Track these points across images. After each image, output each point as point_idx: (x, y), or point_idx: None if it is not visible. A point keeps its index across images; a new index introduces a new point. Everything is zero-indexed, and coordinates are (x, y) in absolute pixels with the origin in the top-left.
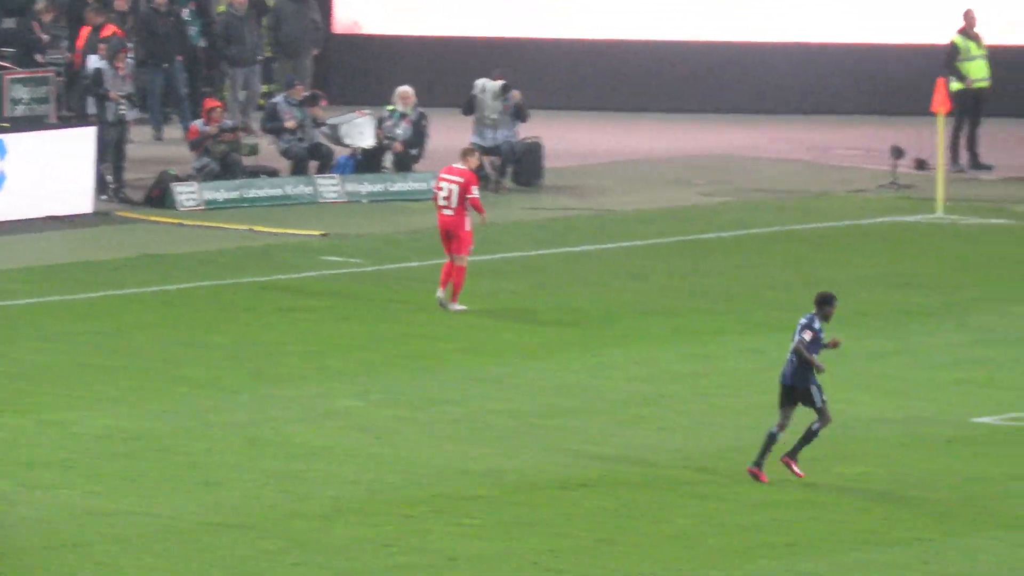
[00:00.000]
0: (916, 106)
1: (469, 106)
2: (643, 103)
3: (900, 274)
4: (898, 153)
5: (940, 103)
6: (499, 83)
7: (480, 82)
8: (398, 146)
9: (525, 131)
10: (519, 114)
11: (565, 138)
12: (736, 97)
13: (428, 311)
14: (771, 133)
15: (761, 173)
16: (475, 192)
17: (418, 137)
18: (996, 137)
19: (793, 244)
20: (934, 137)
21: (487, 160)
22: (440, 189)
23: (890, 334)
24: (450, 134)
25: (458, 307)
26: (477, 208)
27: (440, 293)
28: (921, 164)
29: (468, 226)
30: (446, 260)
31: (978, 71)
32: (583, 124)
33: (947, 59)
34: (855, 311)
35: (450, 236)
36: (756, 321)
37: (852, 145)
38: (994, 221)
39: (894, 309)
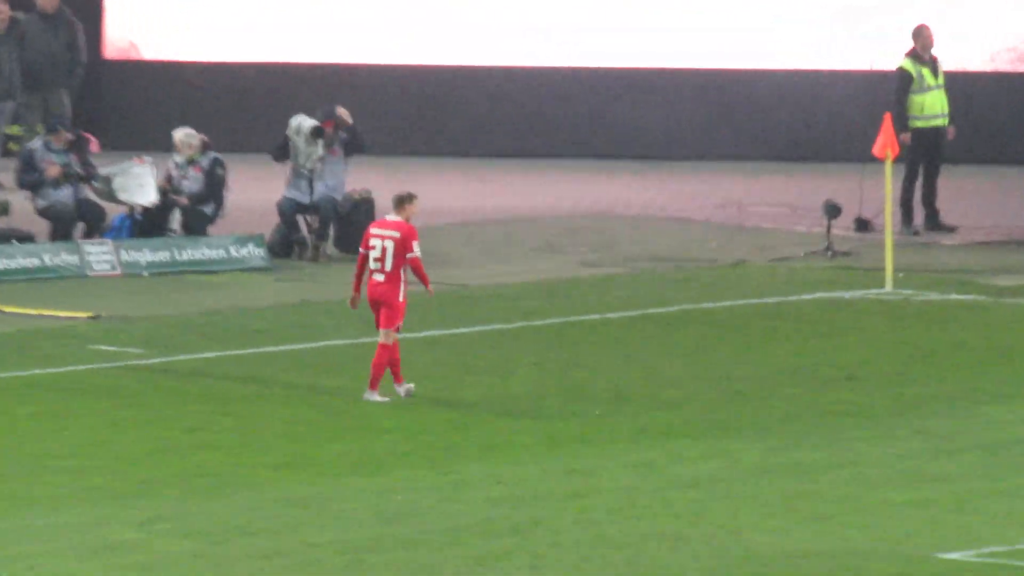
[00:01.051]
0: (855, 150)
1: (282, 151)
2: (505, 146)
3: (837, 365)
4: (833, 211)
5: (886, 145)
6: (311, 124)
7: (296, 121)
8: (185, 200)
9: (352, 182)
10: (354, 144)
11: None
12: (623, 139)
13: (231, 414)
14: (669, 185)
15: (657, 237)
16: (416, 250)
17: (212, 190)
18: (960, 189)
19: (698, 328)
20: (879, 190)
21: (303, 220)
22: (371, 248)
23: (823, 442)
24: (259, 186)
25: (377, 397)
26: (418, 274)
27: (400, 388)
28: (863, 225)
29: (402, 295)
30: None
31: (934, 105)
32: (427, 173)
33: (896, 90)
34: (780, 415)
35: (381, 305)
36: (649, 427)
37: (773, 200)
38: (956, 297)
39: (829, 411)
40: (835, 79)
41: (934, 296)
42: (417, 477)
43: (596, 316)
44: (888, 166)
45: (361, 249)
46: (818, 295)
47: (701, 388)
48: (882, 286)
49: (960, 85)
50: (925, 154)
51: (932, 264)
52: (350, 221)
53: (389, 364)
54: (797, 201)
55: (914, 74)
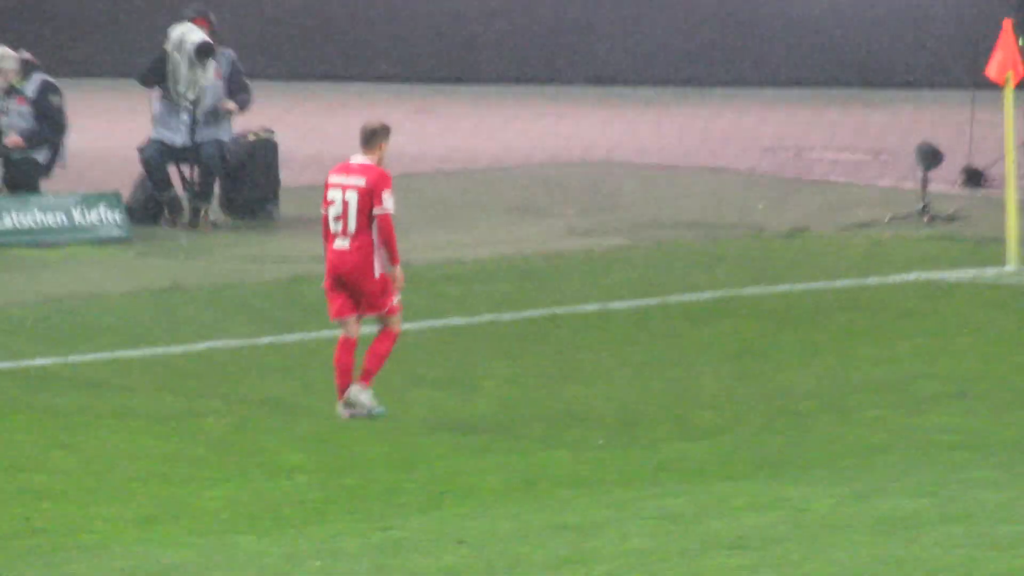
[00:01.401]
0: (958, 70)
1: (155, 71)
2: (455, 68)
3: (941, 378)
4: (931, 158)
5: (1006, 65)
6: (199, 37)
7: (177, 31)
8: (14, 140)
9: (246, 121)
10: (237, 87)
11: (318, 130)
12: (623, 57)
13: (72, 447)
14: (692, 121)
15: (678, 195)
16: (386, 204)
17: (45, 128)
18: None
19: (741, 324)
20: (997, 128)
21: (177, 172)
22: (330, 203)
23: (925, 486)
24: (113, 123)
25: (374, 407)
26: (385, 241)
27: (341, 405)
28: (974, 177)
29: (378, 267)
30: (340, 335)
31: None
32: (344, 104)
33: None
34: (860, 446)
35: (348, 285)
36: (672, 464)
37: (844, 143)
38: None
39: (932, 441)
40: None
41: None
42: (337, 535)
43: (593, 306)
44: (1009, 94)
45: (322, 208)
46: (912, 277)
47: (746, 408)
48: (1002, 264)
49: None
50: None
51: None
52: (243, 173)
53: (370, 358)
54: (878, 144)
55: None
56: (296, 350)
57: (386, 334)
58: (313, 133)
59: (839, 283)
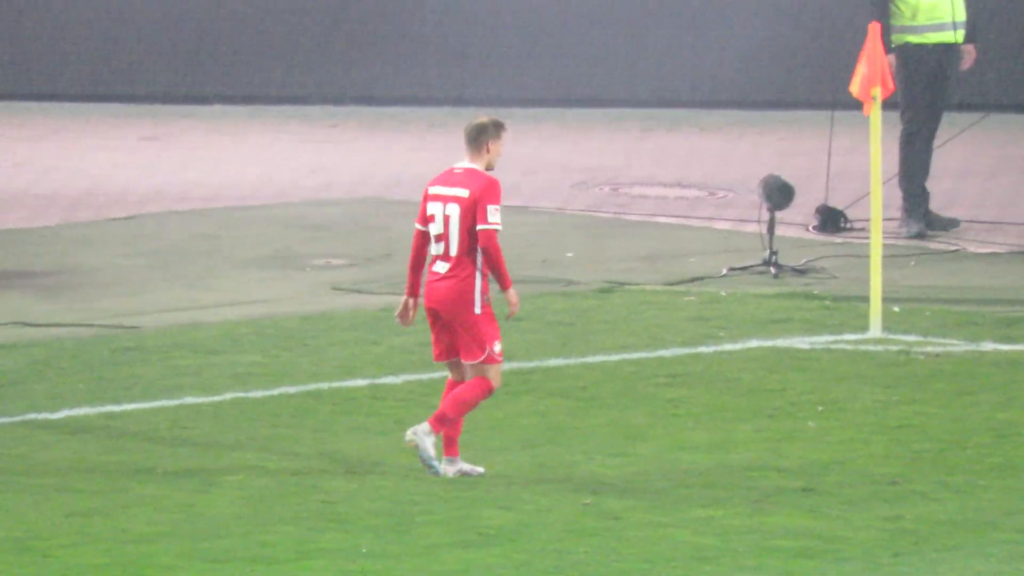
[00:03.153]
0: (812, 87)
1: None
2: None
3: (793, 469)
4: (780, 194)
5: (872, 79)
6: None
7: None
8: None
9: None
10: None
11: None
12: (391, 77)
13: None
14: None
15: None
16: (492, 218)
17: None
18: (974, 145)
19: (546, 401)
20: (861, 156)
21: None
22: (430, 219)
23: None
24: None
25: (458, 467)
26: (492, 263)
27: (451, 466)
28: (831, 218)
29: (479, 302)
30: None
31: (938, 7)
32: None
33: None
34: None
35: (444, 323)
36: None
37: (667, 174)
38: (998, 348)
39: (773, 547)
40: None
41: (958, 346)
42: None
43: (362, 381)
44: (875, 114)
45: (416, 224)
46: (754, 344)
47: (547, 507)
48: (865, 328)
49: None
50: (927, 93)
51: (951, 287)
52: None
53: (451, 408)
54: (714, 177)
55: None
56: None
57: (479, 381)
58: None
59: (664, 352)
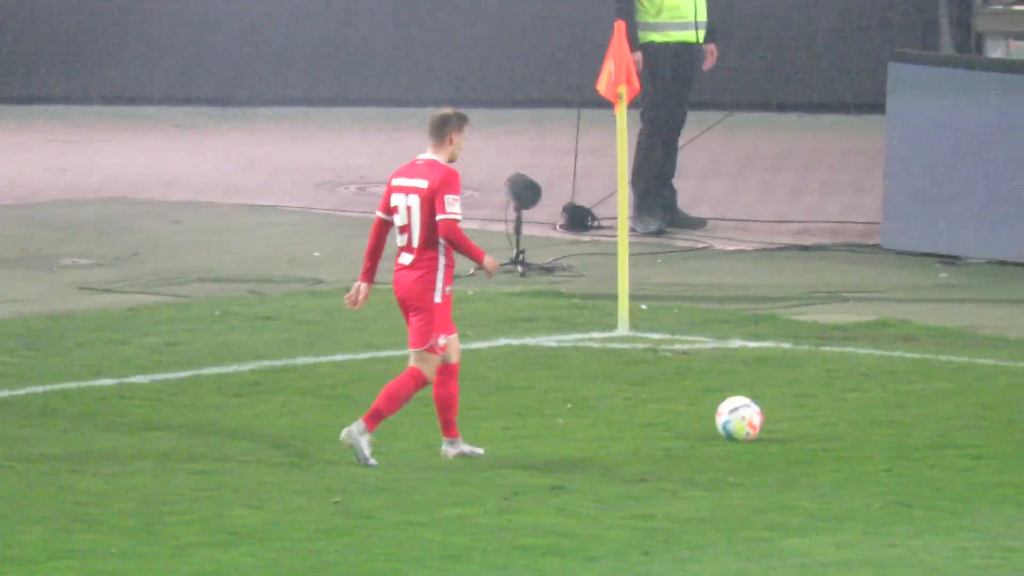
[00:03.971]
0: (554, 86)
1: None
2: None
3: (541, 468)
4: (526, 192)
5: (619, 75)
6: None
7: None
8: None
9: None
10: None
11: None
12: (140, 75)
13: None
14: (227, 146)
15: (216, 237)
16: (450, 208)
17: None
18: (719, 144)
19: (295, 401)
20: (607, 156)
21: None
22: (393, 210)
23: None
24: None
25: (466, 448)
26: (458, 246)
27: (452, 448)
28: (579, 217)
29: (440, 290)
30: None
31: (681, 5)
32: None
33: None
34: None
35: (408, 311)
36: None
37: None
38: (744, 345)
39: (523, 545)
40: None
41: (706, 343)
42: None
43: (109, 381)
44: (622, 114)
45: (378, 212)
46: (501, 342)
47: (298, 506)
48: (613, 326)
49: None
50: (669, 91)
51: (698, 285)
52: None
53: (441, 404)
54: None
55: None
56: None
57: (413, 372)
58: None
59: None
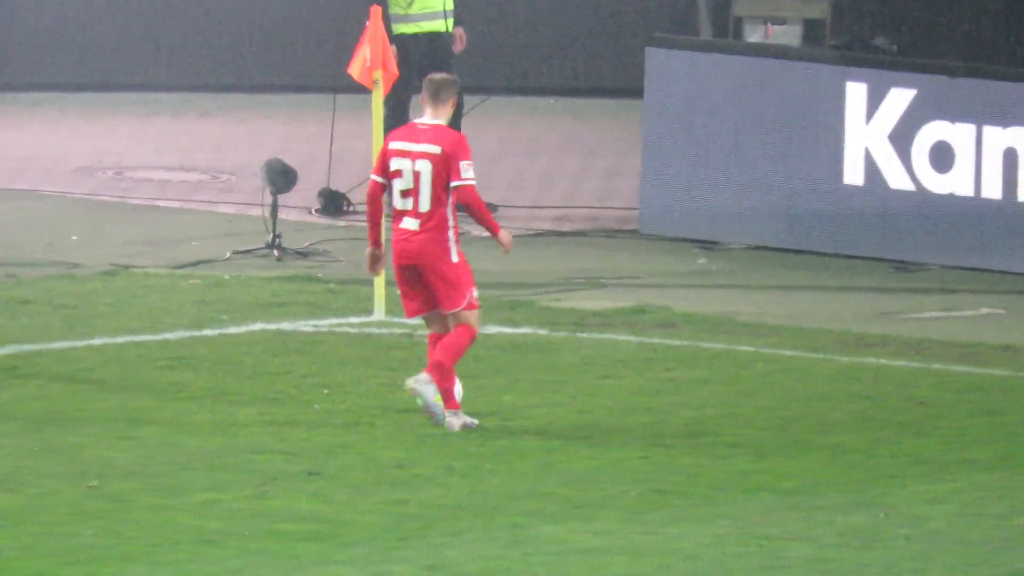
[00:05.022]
0: (308, 70)
1: None
2: None
3: (294, 453)
4: (282, 177)
5: (375, 60)
6: None
7: None
8: None
9: None
10: None
11: None
12: None
13: None
14: None
15: None
16: (466, 173)
17: None
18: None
19: (50, 386)
20: (358, 140)
21: None
22: (396, 175)
23: None
24: None
25: (462, 420)
26: (476, 213)
27: (455, 419)
28: (334, 201)
29: (455, 250)
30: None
31: None
32: None
33: None
34: None
35: (419, 274)
36: None
37: (169, 159)
38: (502, 331)
39: (279, 531)
40: None
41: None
42: None
43: None
44: (377, 99)
45: (373, 176)
46: (258, 327)
47: (51, 490)
48: (369, 311)
49: None
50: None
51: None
52: None
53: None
54: (217, 161)
55: None
56: None
57: (464, 329)
58: None
59: (169, 335)
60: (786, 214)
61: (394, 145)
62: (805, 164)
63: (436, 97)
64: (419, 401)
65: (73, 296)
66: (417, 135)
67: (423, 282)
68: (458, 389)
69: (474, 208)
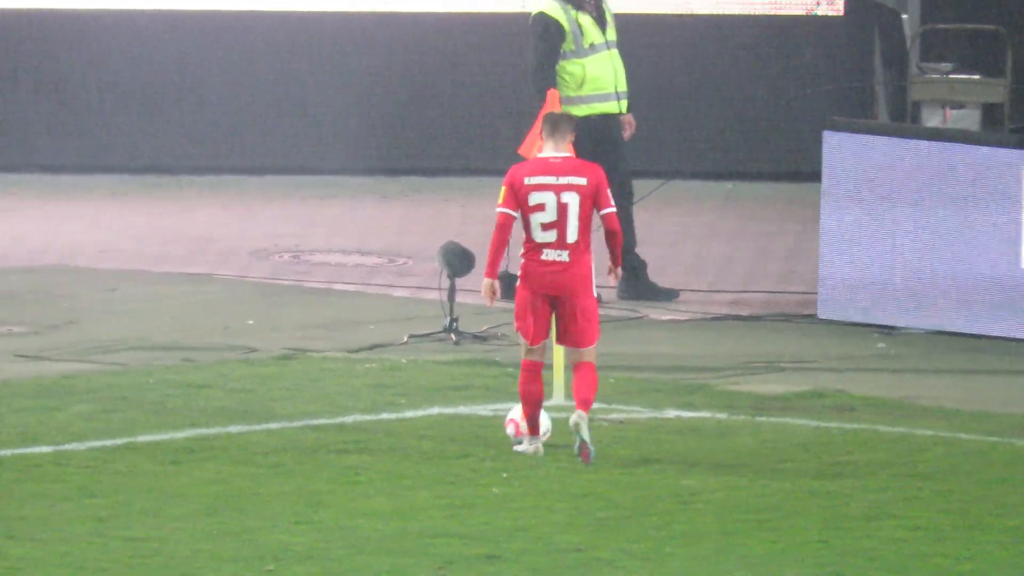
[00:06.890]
0: (478, 148)
1: None
2: None
3: (475, 536)
4: (460, 261)
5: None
6: None
7: None
8: None
9: None
10: None
11: None
12: (59, 146)
13: None
14: (158, 214)
15: (149, 306)
16: (612, 200)
17: None
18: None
19: (228, 468)
20: None
21: None
22: (536, 208)
23: None
24: None
25: (536, 446)
26: (614, 243)
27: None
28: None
29: (594, 283)
30: (525, 359)
31: (601, 77)
32: None
33: (537, 51)
34: None
35: (558, 307)
36: None
37: (346, 242)
38: (680, 415)
39: None
40: (427, 22)
41: (641, 413)
42: None
43: (45, 448)
44: None
45: (505, 210)
46: (434, 411)
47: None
48: (548, 395)
49: (643, 34)
50: (598, 161)
51: (633, 354)
52: None
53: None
54: (395, 245)
55: (565, 24)
56: None
57: (592, 364)
58: None
59: (345, 418)
60: (965, 299)
61: (531, 180)
62: (984, 248)
63: (556, 130)
64: (578, 438)
65: (250, 380)
66: (554, 169)
67: (558, 313)
68: (546, 424)
69: (618, 234)
